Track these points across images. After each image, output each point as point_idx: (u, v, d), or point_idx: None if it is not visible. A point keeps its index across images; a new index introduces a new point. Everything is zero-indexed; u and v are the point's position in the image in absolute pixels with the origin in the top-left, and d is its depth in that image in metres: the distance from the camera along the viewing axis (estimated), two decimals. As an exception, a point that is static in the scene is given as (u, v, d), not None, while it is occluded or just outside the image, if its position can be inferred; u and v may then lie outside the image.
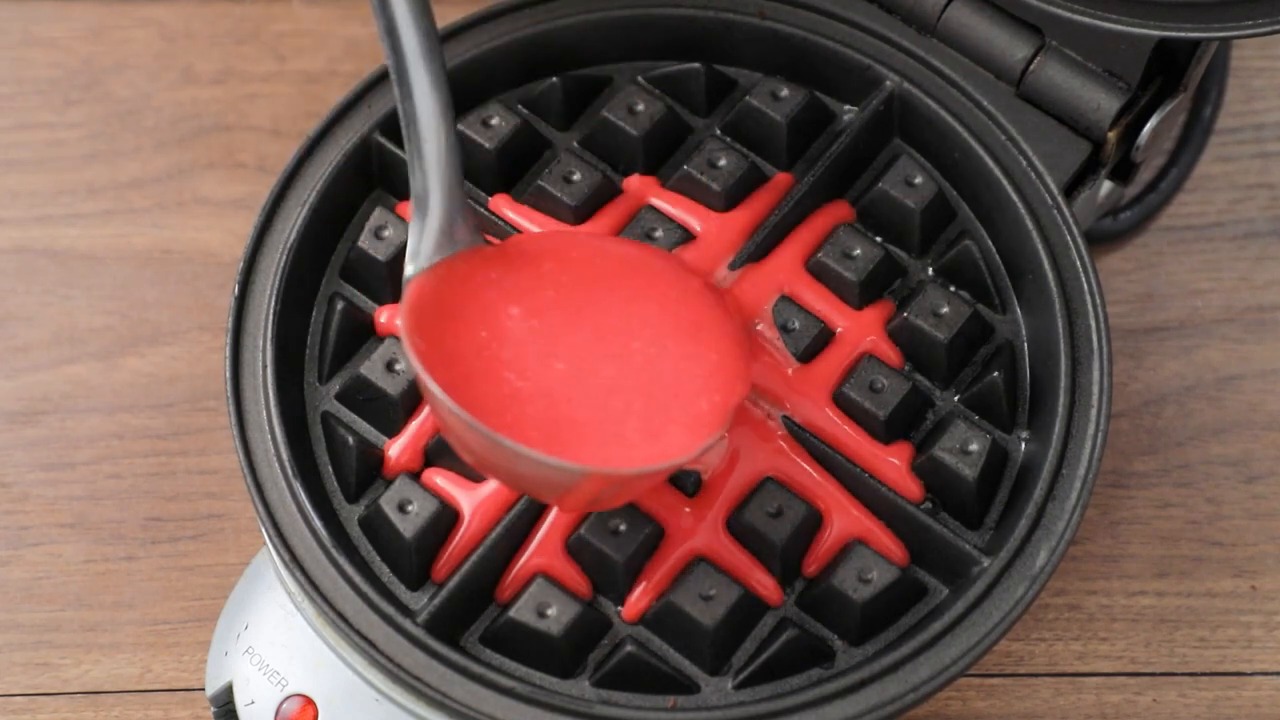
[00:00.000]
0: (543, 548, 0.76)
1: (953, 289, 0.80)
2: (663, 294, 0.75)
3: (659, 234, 0.80)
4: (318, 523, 0.75)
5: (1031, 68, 0.81)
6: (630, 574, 0.76)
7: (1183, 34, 0.78)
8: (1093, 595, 0.84)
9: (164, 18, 0.95)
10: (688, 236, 0.80)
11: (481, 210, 0.81)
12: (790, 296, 0.79)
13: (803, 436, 0.77)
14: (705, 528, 0.76)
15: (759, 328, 0.78)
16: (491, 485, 0.76)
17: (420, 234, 0.72)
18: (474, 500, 0.76)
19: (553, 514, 0.76)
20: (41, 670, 0.83)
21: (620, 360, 0.73)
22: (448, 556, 0.76)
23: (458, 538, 0.76)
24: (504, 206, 0.81)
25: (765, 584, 0.76)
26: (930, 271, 0.81)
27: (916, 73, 0.82)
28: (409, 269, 0.72)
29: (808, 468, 0.77)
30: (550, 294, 0.73)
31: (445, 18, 0.83)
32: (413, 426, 0.78)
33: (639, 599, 0.76)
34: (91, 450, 0.87)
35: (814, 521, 0.76)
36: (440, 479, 0.77)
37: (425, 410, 0.78)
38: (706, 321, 0.75)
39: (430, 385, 0.69)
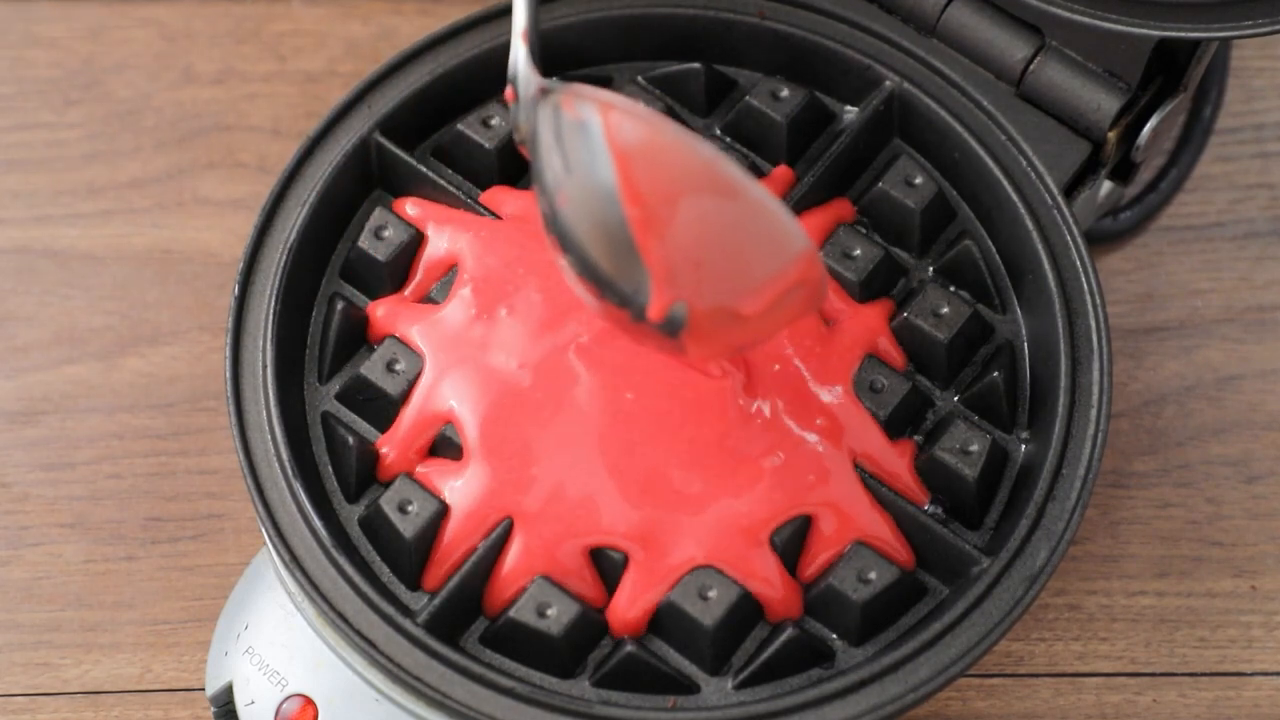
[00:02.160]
0: (536, 550, 0.76)
1: (953, 289, 0.80)
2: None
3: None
4: (318, 523, 0.75)
5: (1031, 68, 0.81)
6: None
7: (1183, 34, 0.78)
8: (1093, 595, 0.84)
9: (164, 18, 0.95)
10: None
11: (473, 203, 0.81)
12: None
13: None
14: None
15: None
16: (482, 475, 0.76)
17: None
18: (463, 495, 0.76)
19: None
20: (41, 670, 0.83)
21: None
22: (438, 557, 0.76)
23: (447, 536, 0.76)
24: (497, 196, 0.81)
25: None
26: (930, 271, 0.81)
27: (916, 73, 0.82)
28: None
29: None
30: None
31: (445, 17, 0.83)
32: (405, 424, 0.78)
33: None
34: (91, 450, 0.87)
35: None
36: (433, 474, 0.77)
37: (418, 403, 0.78)
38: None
39: (660, 125, 0.67)
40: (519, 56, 0.71)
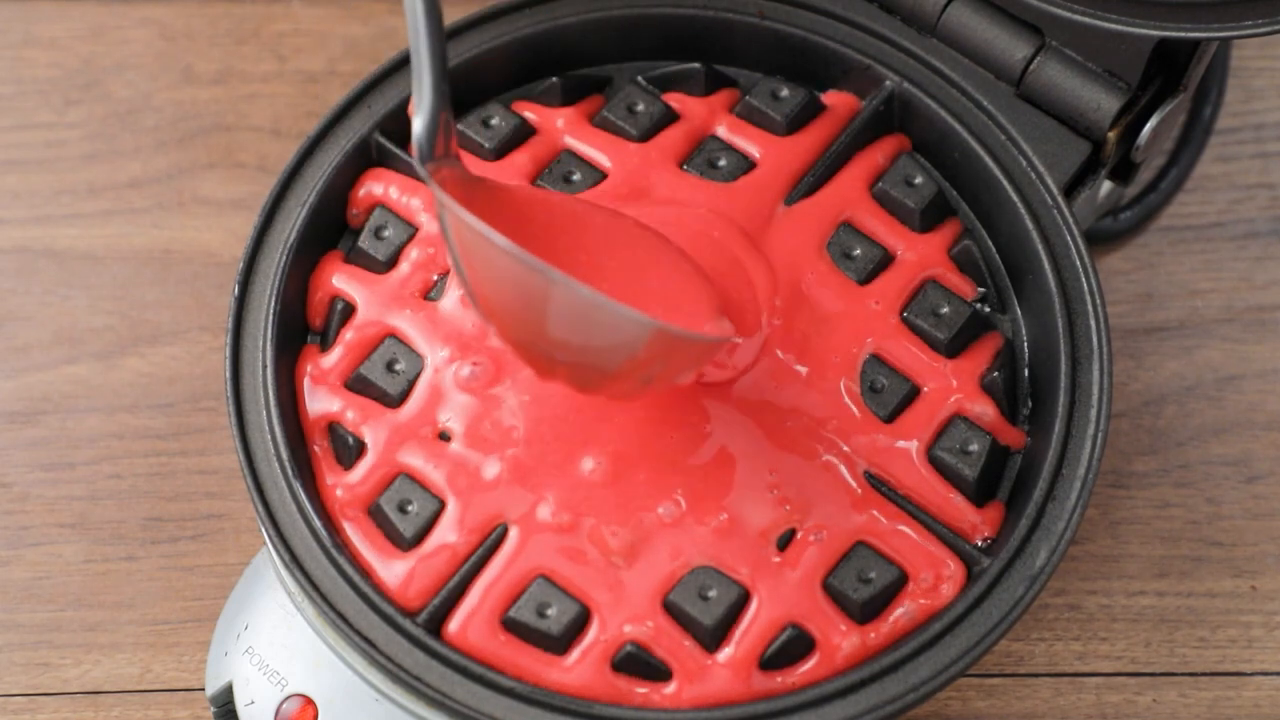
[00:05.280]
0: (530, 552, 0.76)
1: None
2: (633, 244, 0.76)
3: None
4: (318, 523, 0.75)
5: (1031, 68, 0.81)
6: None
7: (1183, 34, 0.78)
8: (1093, 595, 0.84)
9: (164, 18, 0.95)
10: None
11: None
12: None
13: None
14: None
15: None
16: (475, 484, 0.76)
17: (422, 129, 0.72)
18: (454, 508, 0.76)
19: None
20: (41, 670, 0.83)
21: (630, 282, 0.74)
22: (420, 569, 0.76)
23: (439, 526, 0.76)
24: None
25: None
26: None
27: (916, 73, 0.82)
28: (421, 153, 0.71)
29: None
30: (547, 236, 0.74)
31: (446, 18, 0.83)
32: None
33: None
34: (91, 450, 0.87)
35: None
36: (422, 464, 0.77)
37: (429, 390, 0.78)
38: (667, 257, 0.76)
39: (487, 232, 0.68)
40: (415, 139, 0.71)
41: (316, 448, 0.78)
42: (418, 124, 0.71)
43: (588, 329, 0.69)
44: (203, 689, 0.80)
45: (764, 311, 0.78)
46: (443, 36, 0.71)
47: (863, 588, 0.75)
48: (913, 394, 0.78)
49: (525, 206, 0.73)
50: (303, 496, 0.76)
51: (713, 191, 0.80)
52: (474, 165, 0.81)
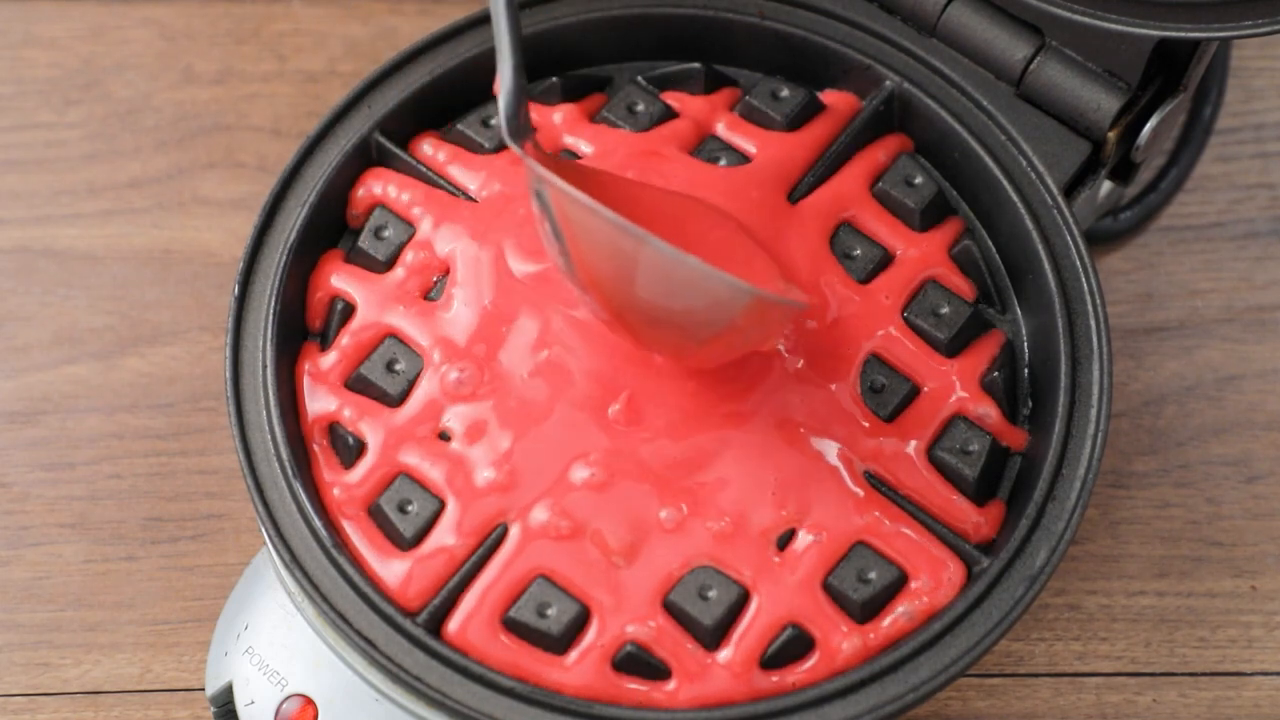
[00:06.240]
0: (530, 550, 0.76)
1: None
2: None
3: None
4: (318, 523, 0.75)
5: (1031, 68, 0.81)
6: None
7: (1183, 34, 0.78)
8: (1093, 595, 0.84)
9: (164, 18, 0.95)
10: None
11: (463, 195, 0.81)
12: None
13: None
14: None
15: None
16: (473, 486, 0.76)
17: (508, 106, 0.73)
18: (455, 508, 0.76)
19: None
20: (41, 670, 0.83)
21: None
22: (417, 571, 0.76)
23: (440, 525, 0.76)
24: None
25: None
26: (930, 271, 0.81)
27: (916, 73, 0.82)
28: (510, 130, 0.73)
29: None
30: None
31: (445, 18, 0.84)
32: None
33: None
34: (91, 450, 0.87)
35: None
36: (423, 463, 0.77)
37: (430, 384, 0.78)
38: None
39: (595, 206, 0.70)
40: (504, 115, 0.73)
41: (316, 447, 0.78)
42: (504, 102, 0.72)
43: (690, 298, 0.71)
44: (203, 689, 0.80)
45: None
46: (518, 14, 0.73)
47: (863, 588, 0.75)
48: (913, 394, 0.78)
49: (602, 184, 0.74)
50: (303, 496, 0.76)
51: (716, 181, 0.80)
52: (474, 161, 0.81)
